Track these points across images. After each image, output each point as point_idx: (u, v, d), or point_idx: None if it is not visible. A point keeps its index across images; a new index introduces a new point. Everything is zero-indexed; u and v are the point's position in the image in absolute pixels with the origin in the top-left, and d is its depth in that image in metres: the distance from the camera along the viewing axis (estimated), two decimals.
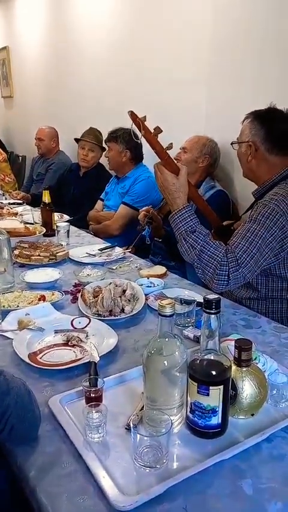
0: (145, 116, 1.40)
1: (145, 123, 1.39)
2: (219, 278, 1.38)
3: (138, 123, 1.39)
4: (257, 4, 2.14)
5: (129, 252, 2.17)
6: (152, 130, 1.41)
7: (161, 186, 1.49)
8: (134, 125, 1.40)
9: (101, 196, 3.17)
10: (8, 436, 0.88)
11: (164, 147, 1.44)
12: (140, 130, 1.39)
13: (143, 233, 2.22)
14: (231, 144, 1.70)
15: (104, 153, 3.18)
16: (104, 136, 3.30)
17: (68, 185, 3.50)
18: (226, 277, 1.38)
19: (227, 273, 1.38)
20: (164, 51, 2.85)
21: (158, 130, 1.41)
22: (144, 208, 2.27)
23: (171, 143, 1.45)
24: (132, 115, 1.39)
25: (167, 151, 1.45)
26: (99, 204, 3.16)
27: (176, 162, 1.51)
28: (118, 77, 3.41)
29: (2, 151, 4.57)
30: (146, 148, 2.88)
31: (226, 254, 1.40)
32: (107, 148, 3.05)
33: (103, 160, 3.44)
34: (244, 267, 1.39)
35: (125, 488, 0.81)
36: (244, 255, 1.40)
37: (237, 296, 1.69)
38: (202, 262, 1.41)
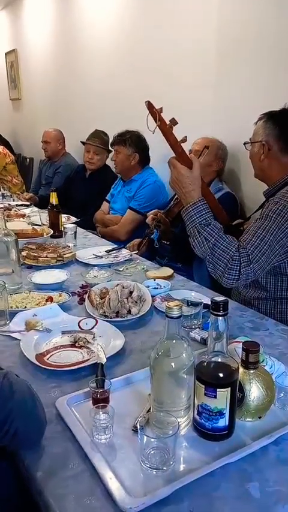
0: (161, 107, 1.40)
1: (161, 114, 1.40)
2: (231, 272, 1.38)
3: (154, 114, 1.39)
4: (265, 6, 2.14)
5: (135, 253, 2.17)
6: (168, 122, 1.41)
7: (174, 180, 1.48)
8: (149, 116, 1.40)
9: (106, 198, 3.17)
10: (12, 440, 0.87)
11: (178, 140, 1.44)
12: (156, 121, 1.39)
13: (152, 236, 2.22)
14: (244, 144, 1.70)
15: (110, 155, 3.16)
16: (112, 136, 3.30)
17: (75, 187, 3.51)
18: (237, 272, 1.38)
19: (238, 267, 1.38)
20: (171, 55, 2.85)
21: (173, 122, 1.41)
22: (152, 212, 2.26)
23: (186, 136, 1.45)
24: (149, 105, 1.40)
25: (181, 144, 1.45)
26: (105, 206, 3.15)
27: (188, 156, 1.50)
28: (125, 79, 3.42)
29: (9, 153, 4.60)
30: (153, 150, 2.92)
31: (238, 249, 1.40)
32: (113, 151, 3.04)
33: (109, 162, 3.45)
34: (255, 262, 1.39)
35: (131, 490, 0.81)
36: (255, 251, 1.40)
37: (246, 296, 1.69)
38: (214, 256, 1.41)
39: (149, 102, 1.40)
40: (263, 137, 1.60)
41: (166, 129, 1.41)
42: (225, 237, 1.42)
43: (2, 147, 4.56)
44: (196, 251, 1.46)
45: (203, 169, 2.23)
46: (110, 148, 3.07)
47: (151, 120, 1.39)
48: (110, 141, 3.04)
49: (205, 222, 1.43)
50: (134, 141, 2.86)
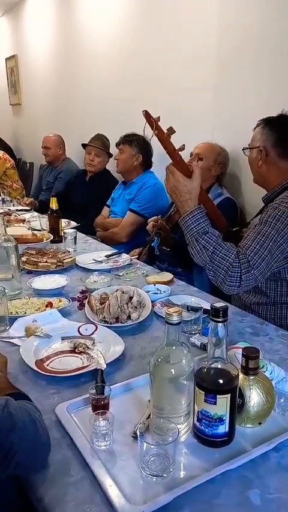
0: (159, 116, 1.41)
1: (158, 123, 1.40)
2: (231, 279, 1.38)
3: (151, 123, 1.40)
4: (266, 9, 2.14)
5: (136, 258, 2.17)
6: (165, 131, 1.42)
7: (171, 187, 1.48)
8: (147, 124, 1.41)
9: (107, 203, 3.18)
10: (14, 471, 0.84)
11: (176, 148, 1.44)
12: (153, 130, 1.40)
13: (152, 244, 2.22)
14: (243, 150, 1.71)
15: (114, 155, 3.17)
16: (112, 141, 3.32)
17: (75, 191, 3.52)
18: (238, 278, 1.38)
19: (239, 274, 1.38)
20: (172, 59, 2.86)
21: (171, 130, 1.42)
22: (152, 219, 2.26)
23: (184, 144, 1.46)
24: (147, 114, 1.41)
25: (179, 152, 1.45)
26: (105, 211, 3.16)
27: (188, 164, 1.51)
28: (125, 85, 3.43)
29: (10, 158, 4.60)
30: (155, 156, 2.93)
31: (238, 256, 1.40)
32: (117, 151, 3.04)
33: (109, 166, 3.46)
34: (256, 268, 1.39)
35: (131, 497, 0.80)
36: (255, 257, 1.40)
37: (245, 301, 1.68)
38: (214, 263, 1.41)
39: (146, 111, 1.40)
40: (261, 143, 1.61)
41: (164, 137, 1.42)
42: (224, 244, 1.42)
43: (2, 152, 4.56)
44: (195, 260, 1.46)
45: (202, 173, 2.23)
46: (116, 147, 3.07)
47: (148, 129, 1.40)
48: (116, 141, 3.05)
49: (202, 230, 1.43)
50: (139, 143, 2.89)
